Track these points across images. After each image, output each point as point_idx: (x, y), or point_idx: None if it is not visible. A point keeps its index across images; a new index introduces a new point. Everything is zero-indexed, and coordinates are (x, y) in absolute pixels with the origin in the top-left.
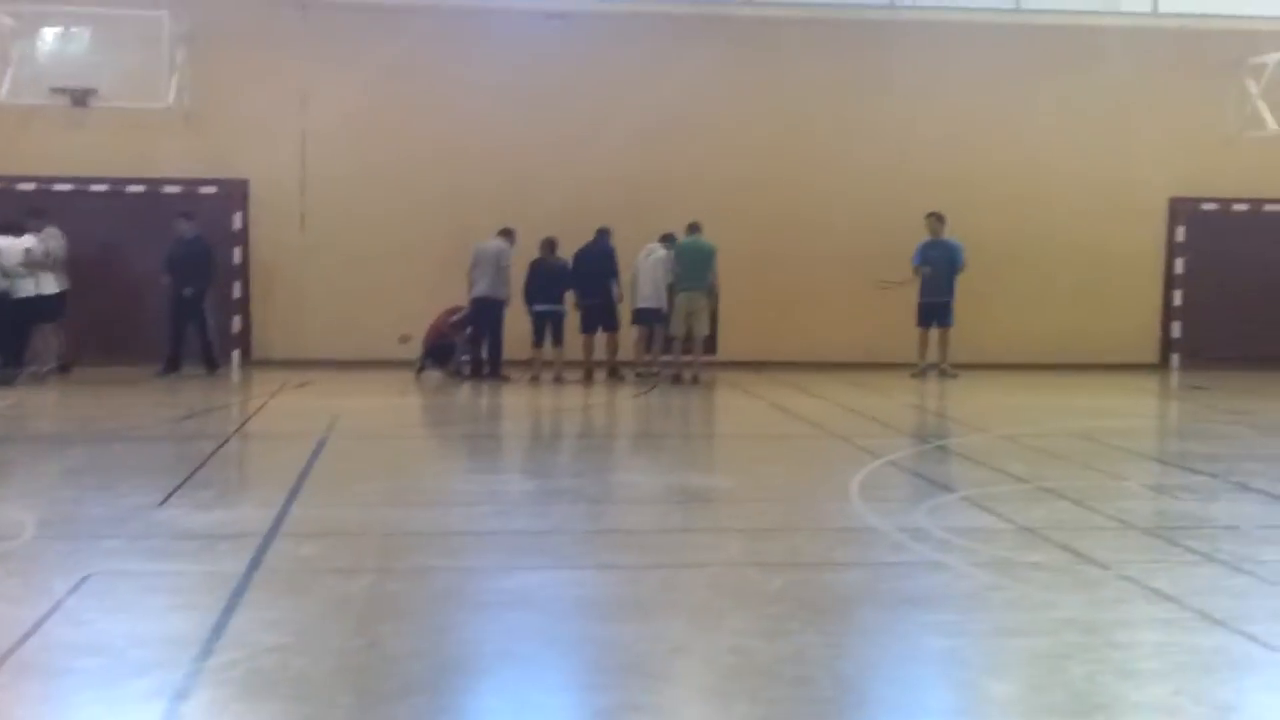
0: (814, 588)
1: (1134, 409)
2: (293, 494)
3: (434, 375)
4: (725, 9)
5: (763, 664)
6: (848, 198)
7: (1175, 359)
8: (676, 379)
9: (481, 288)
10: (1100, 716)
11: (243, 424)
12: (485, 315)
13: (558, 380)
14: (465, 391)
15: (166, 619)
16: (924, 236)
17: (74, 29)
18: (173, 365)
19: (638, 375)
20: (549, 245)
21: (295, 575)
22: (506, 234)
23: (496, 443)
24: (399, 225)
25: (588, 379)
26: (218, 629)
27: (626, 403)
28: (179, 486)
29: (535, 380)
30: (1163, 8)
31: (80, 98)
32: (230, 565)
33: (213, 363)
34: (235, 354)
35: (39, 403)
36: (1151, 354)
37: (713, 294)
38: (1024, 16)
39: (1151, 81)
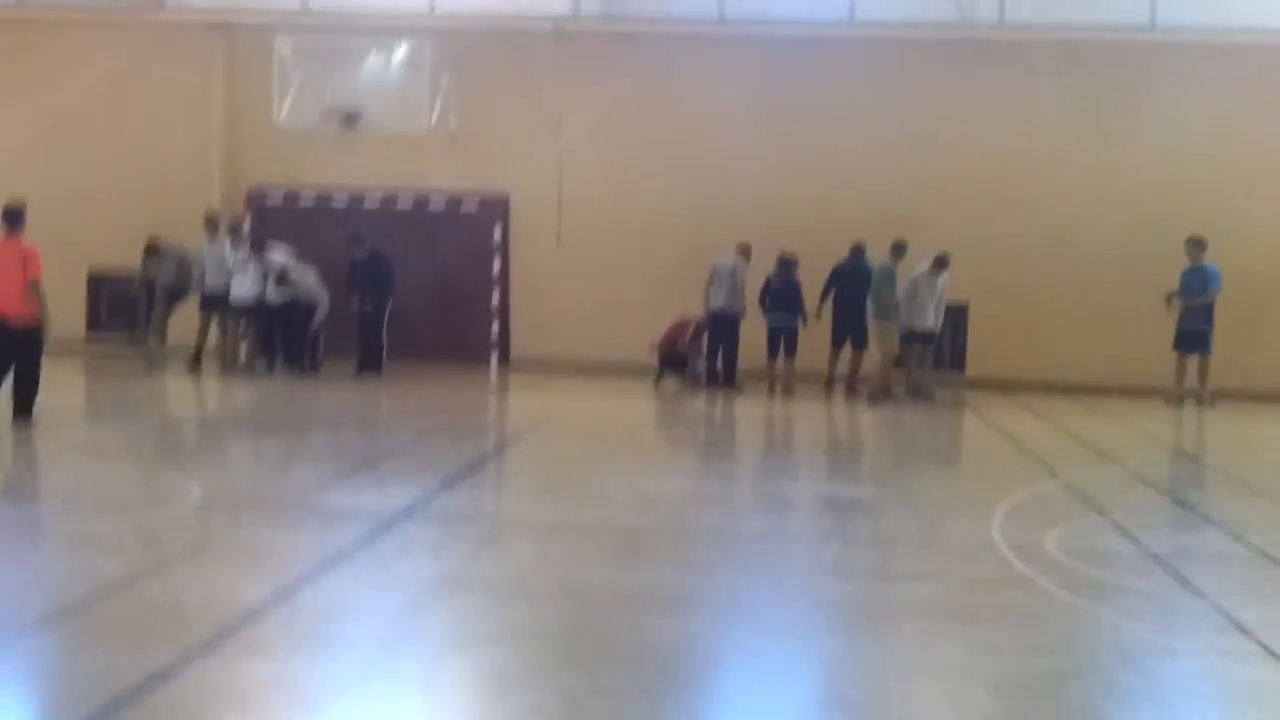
0: (875, 596)
1: None
2: (447, 484)
3: (672, 383)
4: (973, 33)
5: (765, 661)
6: (1105, 221)
7: None
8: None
9: (718, 301)
10: None
11: (458, 417)
12: (721, 328)
13: (787, 391)
14: (695, 399)
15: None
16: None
17: (343, 57)
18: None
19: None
20: (787, 262)
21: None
22: (744, 250)
23: (672, 447)
24: (644, 241)
25: (827, 391)
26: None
27: (843, 415)
28: (349, 472)
29: (771, 390)
30: None
31: (349, 120)
32: (340, 539)
33: (374, 364)
34: (493, 355)
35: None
36: None
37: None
38: None
39: None
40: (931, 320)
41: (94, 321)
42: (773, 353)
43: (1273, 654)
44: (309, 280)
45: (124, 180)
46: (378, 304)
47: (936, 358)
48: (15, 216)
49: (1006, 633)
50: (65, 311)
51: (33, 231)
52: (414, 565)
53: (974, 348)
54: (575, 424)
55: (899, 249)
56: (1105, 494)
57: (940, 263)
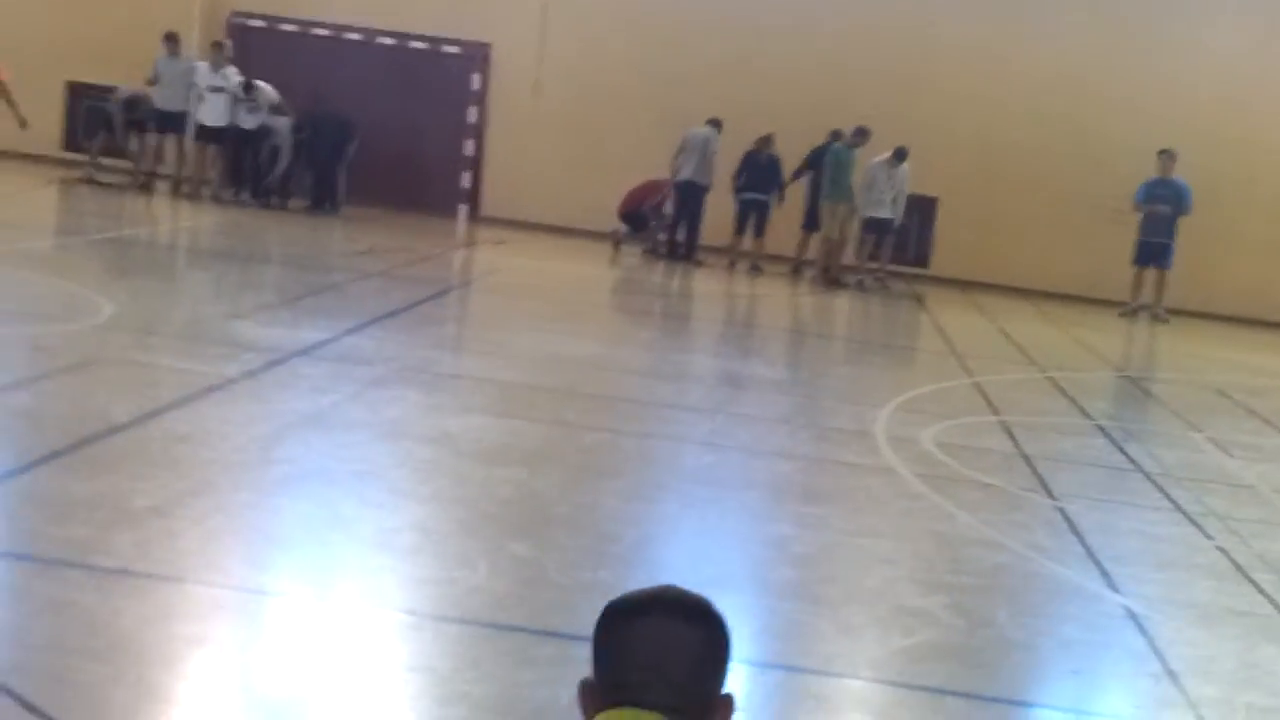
0: (731, 469)
1: None
2: (360, 327)
3: (632, 252)
4: None
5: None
6: (1090, 127)
7: None
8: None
9: (687, 172)
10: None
11: (400, 266)
12: (688, 199)
13: (754, 270)
14: (651, 269)
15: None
16: (1151, 174)
17: None
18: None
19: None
20: (765, 140)
21: (280, 386)
22: (715, 123)
23: (604, 313)
24: (622, 102)
25: (794, 273)
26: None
27: (787, 298)
28: (270, 306)
29: (731, 267)
30: None
31: None
32: (232, 369)
33: (330, 203)
34: (462, 209)
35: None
36: None
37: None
38: None
39: None
40: (888, 210)
41: (70, 136)
42: (740, 229)
43: (1093, 557)
44: (276, 108)
45: None
46: (331, 155)
47: (900, 251)
48: None
49: (840, 513)
50: (42, 125)
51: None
52: (289, 401)
53: (940, 244)
54: (517, 282)
55: (859, 135)
56: (1010, 395)
57: (899, 154)
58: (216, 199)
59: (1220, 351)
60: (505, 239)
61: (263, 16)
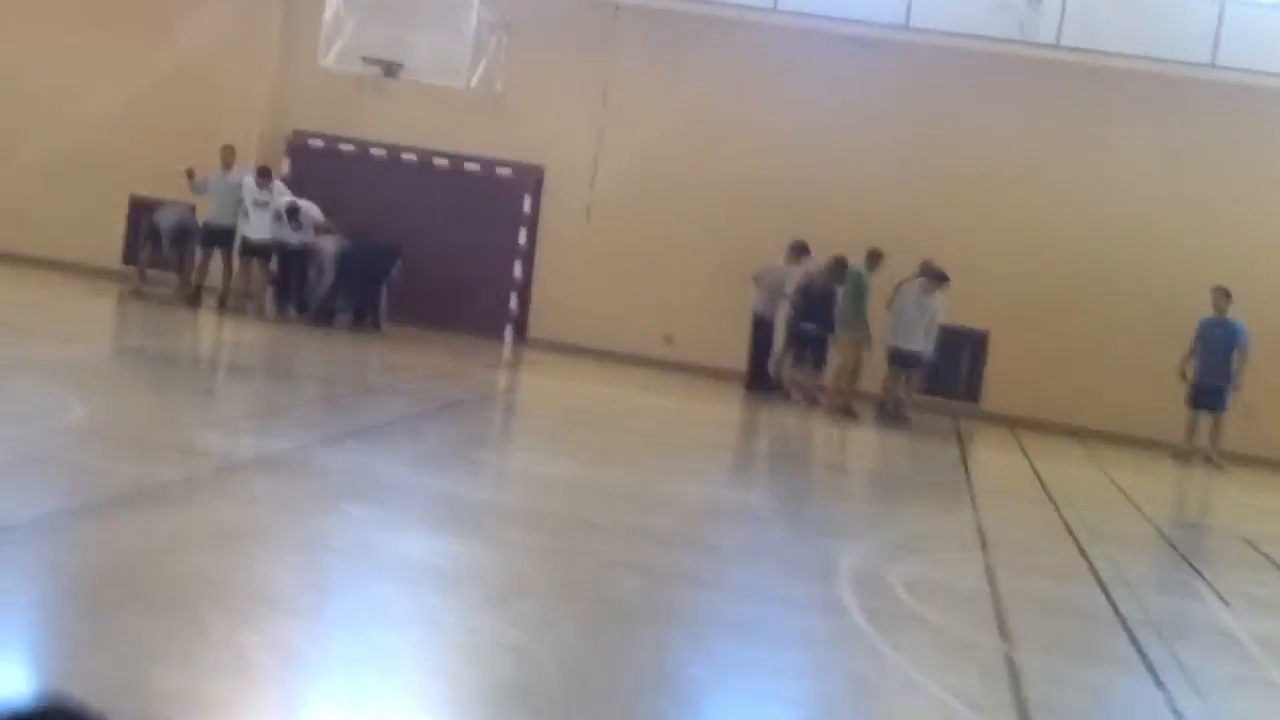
0: (660, 598)
1: None
2: (335, 439)
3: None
4: (1041, 52)
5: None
6: (1149, 264)
7: None
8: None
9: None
10: None
11: (412, 381)
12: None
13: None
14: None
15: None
16: (1208, 312)
17: (395, 4)
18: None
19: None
20: (824, 268)
21: (212, 494)
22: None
23: (604, 434)
24: (679, 230)
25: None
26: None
27: (808, 429)
28: (252, 415)
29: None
30: None
31: (390, 70)
32: (171, 475)
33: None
34: (508, 330)
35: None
36: None
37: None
38: None
39: None
40: (919, 343)
41: (131, 249)
42: (796, 361)
43: (1020, 707)
44: (316, 227)
45: (171, 113)
46: (375, 276)
47: (950, 386)
48: None
49: (759, 652)
50: (105, 238)
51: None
52: (215, 509)
53: (992, 380)
54: (529, 401)
55: (873, 259)
56: (1010, 533)
57: (936, 278)
58: (261, 314)
59: (1267, 499)
60: (540, 360)
61: (322, 136)
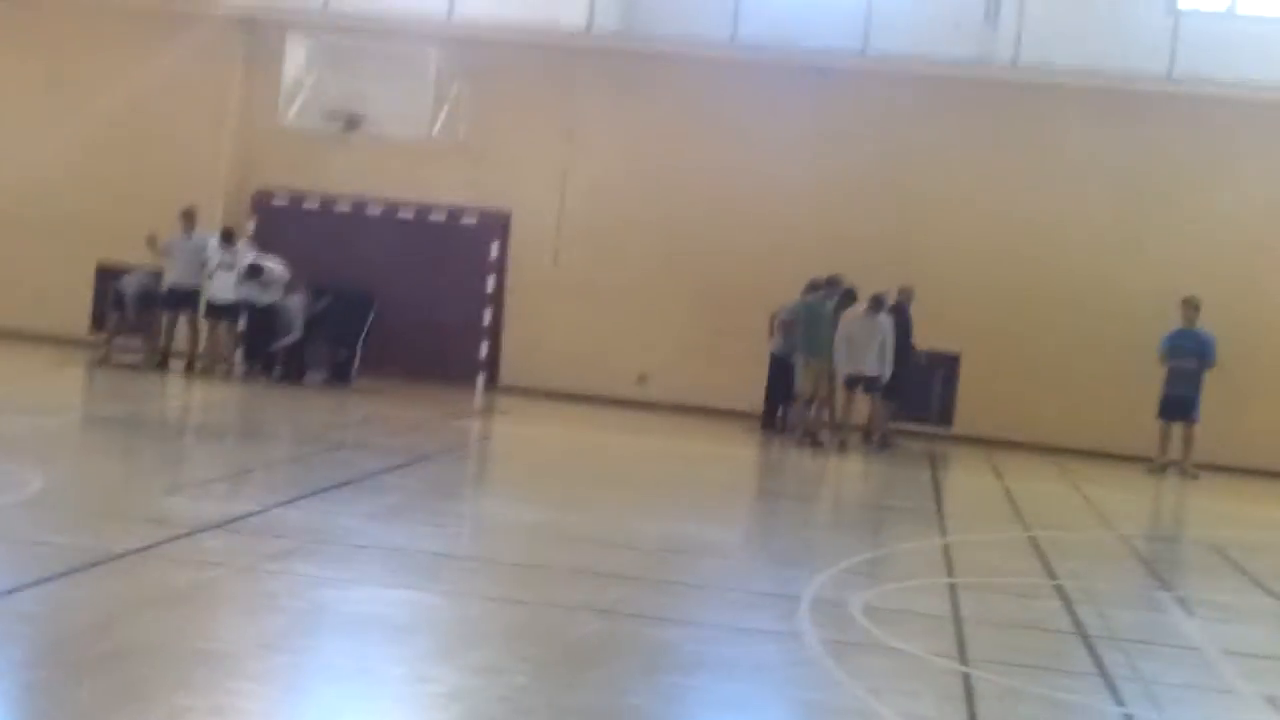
0: (619, 637)
1: None
2: (297, 499)
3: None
4: (989, 72)
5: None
6: (1113, 278)
7: None
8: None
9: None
10: None
11: (384, 435)
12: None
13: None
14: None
15: None
16: (1176, 324)
17: (354, 59)
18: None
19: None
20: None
21: (156, 561)
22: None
23: (573, 479)
24: (648, 268)
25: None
26: None
27: (776, 459)
28: (215, 479)
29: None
30: None
31: (351, 123)
32: (127, 544)
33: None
34: (480, 377)
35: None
36: None
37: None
38: None
39: None
40: (874, 367)
41: (98, 317)
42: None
43: None
44: (283, 285)
45: (135, 178)
46: (349, 330)
47: (921, 410)
48: None
49: (709, 683)
50: (73, 307)
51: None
52: (163, 576)
53: (964, 402)
54: (501, 450)
55: (830, 286)
56: (977, 556)
57: (876, 304)
58: (229, 376)
59: (1237, 507)
60: (512, 407)
61: (286, 192)
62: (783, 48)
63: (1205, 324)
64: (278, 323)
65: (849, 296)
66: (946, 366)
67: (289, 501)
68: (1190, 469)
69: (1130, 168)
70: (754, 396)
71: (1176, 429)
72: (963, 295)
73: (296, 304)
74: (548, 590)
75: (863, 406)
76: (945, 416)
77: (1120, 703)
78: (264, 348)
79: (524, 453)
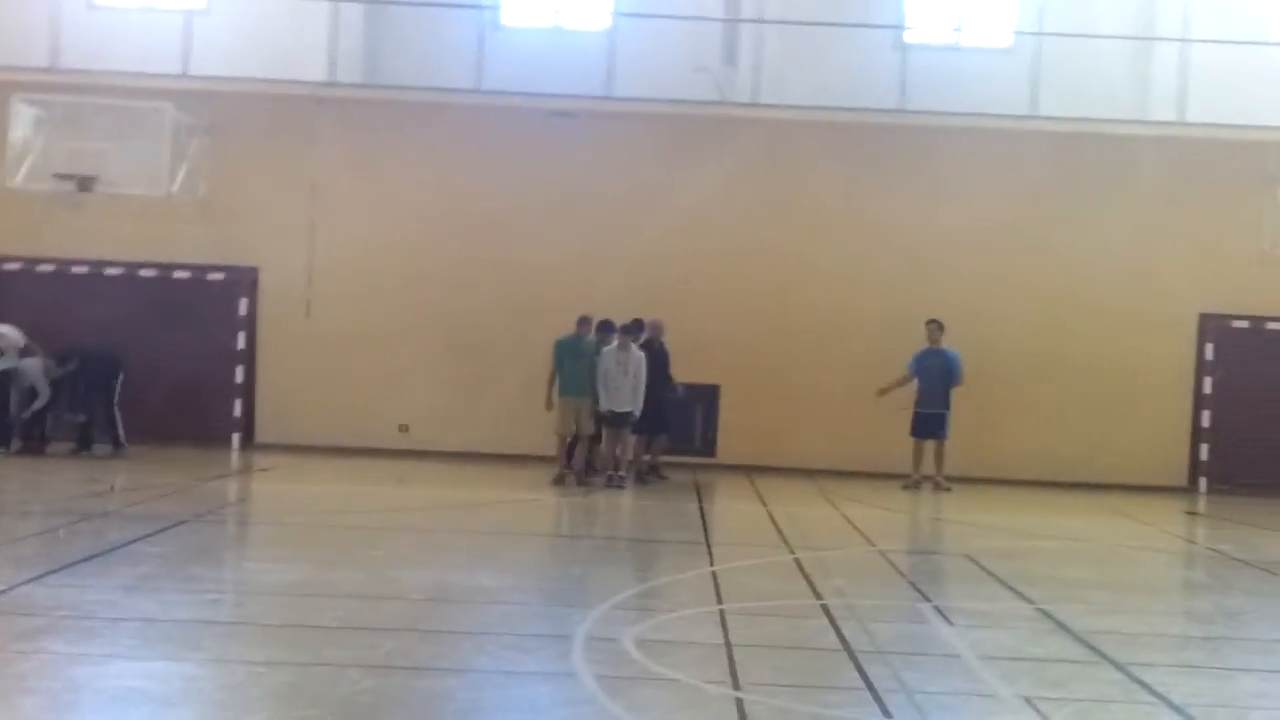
0: (390, 693)
1: (1092, 532)
2: (44, 575)
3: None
4: (732, 111)
5: None
6: (856, 304)
7: (1203, 483)
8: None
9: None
10: None
11: (137, 503)
12: None
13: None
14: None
15: None
16: (924, 344)
17: (85, 118)
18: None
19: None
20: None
21: None
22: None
23: (340, 534)
24: (403, 315)
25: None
26: None
27: (543, 502)
28: None
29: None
30: (1191, 116)
31: (84, 184)
32: None
33: (88, 443)
34: (235, 437)
35: None
36: (1180, 477)
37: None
38: (1041, 123)
39: (1181, 192)
40: (626, 403)
41: None
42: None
43: None
44: (17, 350)
45: None
46: (99, 393)
47: (685, 441)
48: None
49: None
50: None
51: None
52: None
53: (725, 431)
54: (261, 510)
55: (582, 323)
56: (744, 581)
57: (625, 339)
58: None
59: (988, 517)
60: (272, 464)
61: (19, 259)
62: (527, 92)
63: (948, 344)
64: (14, 388)
65: (605, 330)
66: (707, 397)
67: (37, 578)
68: (944, 482)
69: (865, 195)
70: (517, 440)
71: (929, 445)
72: (718, 328)
73: (36, 367)
74: (315, 650)
75: (629, 442)
76: (709, 446)
77: (887, 714)
78: (15, 414)
79: (285, 510)
